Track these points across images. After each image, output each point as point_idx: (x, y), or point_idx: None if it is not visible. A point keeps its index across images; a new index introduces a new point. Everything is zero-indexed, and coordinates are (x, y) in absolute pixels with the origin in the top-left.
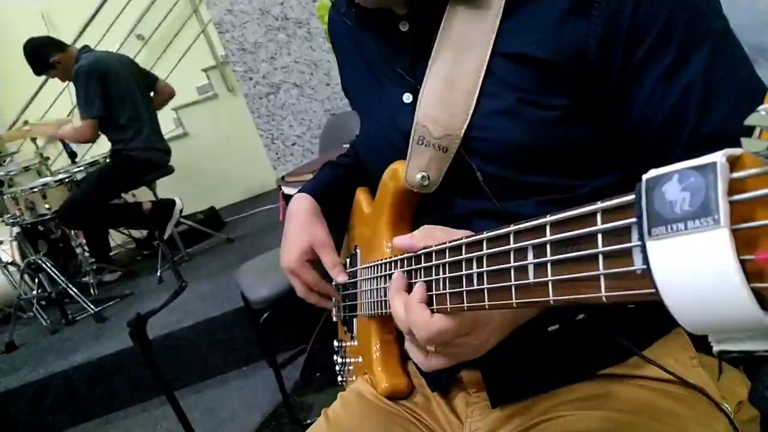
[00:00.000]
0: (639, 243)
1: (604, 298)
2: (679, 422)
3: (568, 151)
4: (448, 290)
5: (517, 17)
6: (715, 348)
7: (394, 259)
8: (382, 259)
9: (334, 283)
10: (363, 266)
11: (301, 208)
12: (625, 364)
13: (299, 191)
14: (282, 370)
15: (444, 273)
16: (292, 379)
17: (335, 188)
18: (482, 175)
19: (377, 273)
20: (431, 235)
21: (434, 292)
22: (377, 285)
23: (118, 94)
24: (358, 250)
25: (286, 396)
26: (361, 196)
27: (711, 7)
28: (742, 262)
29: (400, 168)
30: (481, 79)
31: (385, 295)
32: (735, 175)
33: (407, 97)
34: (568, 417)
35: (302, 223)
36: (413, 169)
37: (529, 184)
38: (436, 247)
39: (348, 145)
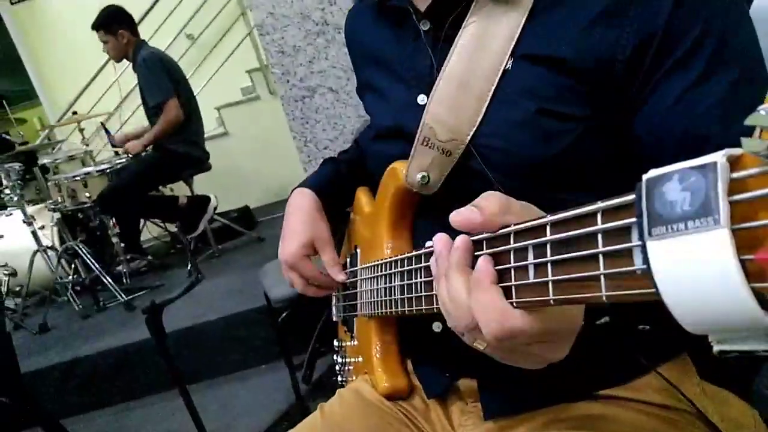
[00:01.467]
0: (639, 243)
1: (604, 298)
2: None
3: (579, 167)
4: None
5: (544, 18)
6: (715, 348)
7: (394, 258)
8: (382, 259)
9: None
10: (363, 266)
11: (304, 203)
12: (624, 387)
13: (300, 185)
14: (298, 371)
15: None
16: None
17: (337, 184)
18: (487, 182)
19: (377, 273)
20: (509, 210)
21: (433, 292)
22: (377, 285)
23: (177, 88)
24: (358, 250)
25: (300, 396)
26: (362, 195)
27: (746, 29)
28: (743, 262)
29: (400, 167)
30: (495, 83)
31: (386, 295)
32: (735, 174)
33: (422, 99)
34: None
35: (305, 218)
36: (414, 169)
37: (532, 198)
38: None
39: None
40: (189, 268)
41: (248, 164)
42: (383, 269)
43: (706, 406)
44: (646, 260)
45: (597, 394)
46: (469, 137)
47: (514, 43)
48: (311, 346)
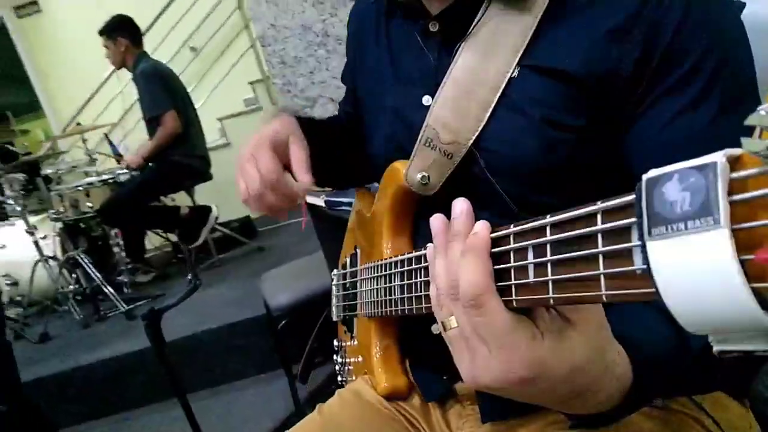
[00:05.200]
0: (639, 243)
1: (604, 298)
2: None
3: (580, 174)
4: None
5: (551, 31)
6: (715, 348)
7: (394, 259)
8: (382, 260)
9: (333, 282)
10: (363, 266)
11: (280, 120)
12: None
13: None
14: (297, 380)
15: None
16: (306, 389)
17: (319, 124)
18: (489, 186)
19: (377, 273)
20: None
21: None
22: (377, 285)
23: (174, 100)
24: (358, 250)
25: (299, 405)
26: (362, 195)
27: (743, 55)
28: (742, 262)
29: (400, 167)
30: (501, 91)
31: (386, 295)
32: (735, 175)
33: (426, 99)
34: None
35: (281, 122)
36: (414, 169)
37: (532, 203)
38: None
39: None
40: (189, 277)
41: None
42: (383, 269)
43: (706, 409)
44: (646, 260)
45: None
46: (471, 141)
47: (521, 53)
48: (309, 344)
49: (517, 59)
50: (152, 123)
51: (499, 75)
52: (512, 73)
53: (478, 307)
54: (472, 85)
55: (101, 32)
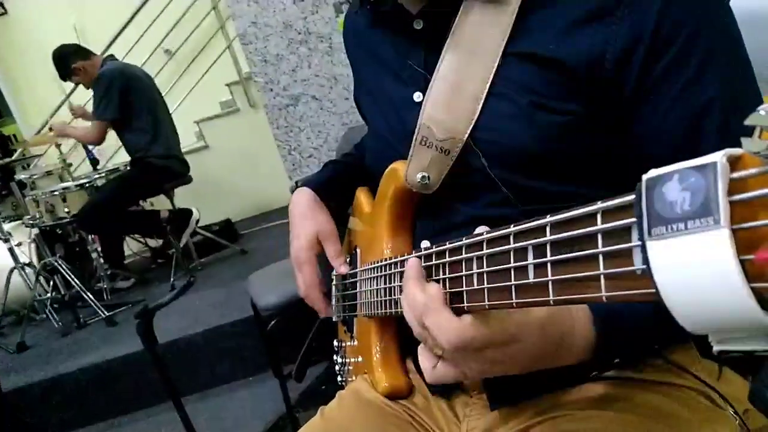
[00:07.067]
0: (639, 243)
1: (604, 298)
2: (682, 425)
3: (577, 159)
4: (447, 290)
5: (533, 17)
6: (715, 348)
7: (393, 260)
8: (381, 260)
9: (333, 282)
10: (363, 267)
11: (303, 199)
12: (626, 368)
13: (300, 185)
14: (287, 382)
15: (444, 274)
16: (297, 390)
17: (336, 181)
18: (487, 177)
19: (377, 273)
20: None
21: None
22: (377, 285)
23: (140, 102)
24: (357, 250)
25: (290, 407)
26: (362, 196)
27: (729, 21)
28: (743, 262)
29: (400, 167)
30: (489, 82)
31: (385, 295)
32: (735, 174)
33: (417, 96)
34: (566, 417)
35: (305, 213)
36: (414, 169)
37: (531, 190)
38: (436, 249)
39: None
40: (172, 282)
41: (229, 177)
42: (383, 269)
43: (711, 384)
44: (646, 260)
45: (600, 377)
46: (466, 135)
47: (504, 42)
48: (307, 342)
49: (502, 49)
50: (116, 126)
51: (486, 67)
52: (499, 62)
53: (463, 347)
54: (461, 80)
55: (63, 78)
